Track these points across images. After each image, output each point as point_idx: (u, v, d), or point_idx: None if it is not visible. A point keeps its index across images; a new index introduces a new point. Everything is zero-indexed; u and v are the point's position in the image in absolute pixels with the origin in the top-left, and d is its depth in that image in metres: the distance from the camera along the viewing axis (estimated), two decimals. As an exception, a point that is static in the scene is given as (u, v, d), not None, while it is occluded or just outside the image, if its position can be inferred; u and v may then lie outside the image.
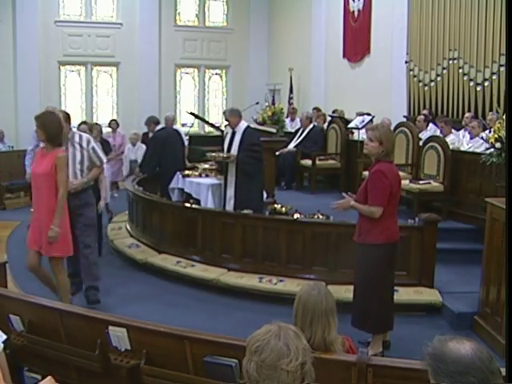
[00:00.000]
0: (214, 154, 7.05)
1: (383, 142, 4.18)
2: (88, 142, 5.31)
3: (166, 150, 7.96)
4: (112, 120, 11.85)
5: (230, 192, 6.86)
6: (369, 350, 4.27)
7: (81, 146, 5.27)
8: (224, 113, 7.19)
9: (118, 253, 7.11)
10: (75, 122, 12.41)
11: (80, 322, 3.28)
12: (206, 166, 8.02)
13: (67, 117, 5.26)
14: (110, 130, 11.75)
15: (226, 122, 7.16)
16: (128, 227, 7.85)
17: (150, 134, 10.17)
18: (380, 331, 4.45)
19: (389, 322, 4.46)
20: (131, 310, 5.06)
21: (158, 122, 8.43)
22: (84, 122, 6.94)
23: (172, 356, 2.99)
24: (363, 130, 8.90)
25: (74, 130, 5.60)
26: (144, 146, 8.37)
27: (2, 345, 2.72)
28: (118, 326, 3.09)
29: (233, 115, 6.87)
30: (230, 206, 6.82)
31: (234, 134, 6.85)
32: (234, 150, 6.77)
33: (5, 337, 2.78)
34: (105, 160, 5.50)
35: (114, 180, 10.34)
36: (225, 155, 6.84)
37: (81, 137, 5.32)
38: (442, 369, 1.69)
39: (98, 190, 6.01)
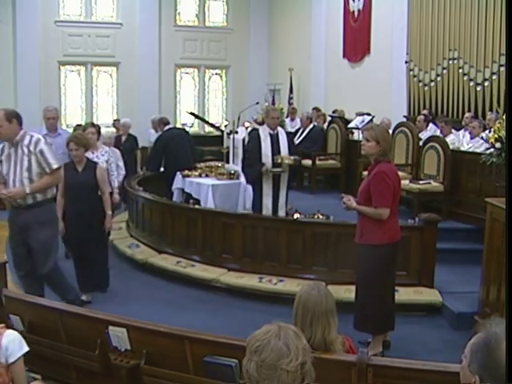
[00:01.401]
0: (280, 155, 6.42)
1: (380, 142, 4.17)
2: (36, 145, 4.53)
3: (169, 151, 8.02)
4: (116, 120, 11.71)
5: (283, 199, 6.53)
6: (369, 350, 4.27)
7: (28, 149, 4.53)
8: (274, 110, 6.67)
9: (118, 253, 7.10)
10: (75, 122, 12.53)
11: (80, 322, 3.28)
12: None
13: (15, 115, 4.53)
14: (113, 129, 11.65)
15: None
16: (128, 227, 7.84)
17: (124, 137, 10.19)
18: (380, 332, 4.45)
19: (389, 322, 4.46)
20: (131, 309, 5.05)
21: (167, 123, 8.55)
22: (92, 125, 6.40)
23: (172, 356, 3.00)
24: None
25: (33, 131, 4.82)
26: (118, 151, 8.14)
27: (18, 357, 2.71)
28: (118, 326, 3.10)
29: (279, 116, 6.47)
30: (282, 213, 6.49)
31: (272, 136, 6.47)
32: (285, 153, 6.41)
33: (26, 349, 2.76)
34: (55, 166, 4.58)
35: None
36: (292, 158, 6.38)
37: (31, 138, 4.57)
38: (479, 358, 1.72)
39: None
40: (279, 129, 6.63)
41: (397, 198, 4.29)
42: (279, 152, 6.43)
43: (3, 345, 2.66)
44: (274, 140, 6.50)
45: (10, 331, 2.76)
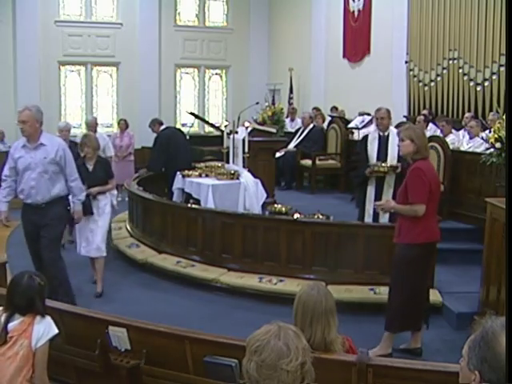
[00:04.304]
0: (375, 163, 6.03)
1: (414, 140, 4.27)
2: None
3: (171, 149, 8.05)
4: (121, 119, 11.50)
5: None
6: (377, 349, 4.25)
7: None
8: (379, 110, 6.19)
9: (118, 253, 7.10)
10: (75, 122, 12.49)
11: (80, 322, 3.28)
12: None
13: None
14: (114, 129, 11.58)
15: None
16: (128, 227, 7.84)
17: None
18: (394, 330, 4.40)
19: (409, 322, 4.40)
20: (131, 309, 5.05)
21: (162, 123, 8.56)
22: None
23: (172, 356, 3.00)
24: (363, 130, 8.92)
25: None
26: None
27: (45, 341, 2.86)
28: (117, 326, 3.10)
29: (390, 116, 6.14)
30: (383, 220, 6.00)
31: (381, 137, 6.11)
32: (394, 158, 5.97)
33: (56, 331, 2.91)
34: None
35: (119, 182, 10.17)
36: (389, 165, 5.91)
37: None
38: (477, 352, 1.73)
39: None
40: (392, 130, 6.19)
41: (435, 197, 4.30)
42: (386, 154, 6.08)
43: (35, 330, 2.84)
44: (383, 142, 6.11)
45: (39, 317, 2.89)
